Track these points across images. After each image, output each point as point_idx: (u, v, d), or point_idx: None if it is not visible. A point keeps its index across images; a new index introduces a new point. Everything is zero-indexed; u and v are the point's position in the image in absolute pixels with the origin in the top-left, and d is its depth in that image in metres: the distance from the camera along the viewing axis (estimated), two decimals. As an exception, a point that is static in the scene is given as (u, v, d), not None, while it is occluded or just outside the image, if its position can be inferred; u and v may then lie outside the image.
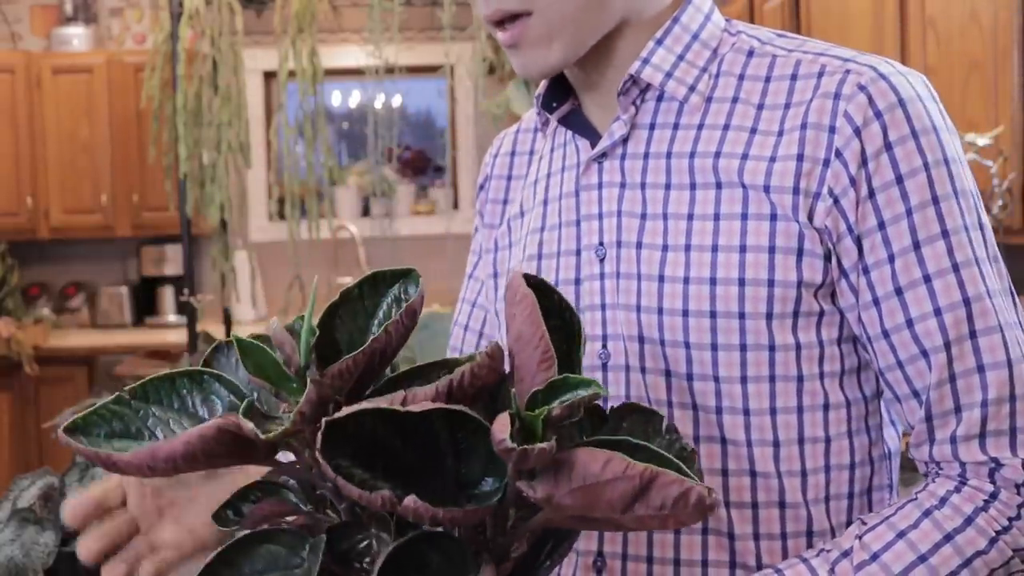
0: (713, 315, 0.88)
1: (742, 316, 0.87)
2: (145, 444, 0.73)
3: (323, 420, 0.66)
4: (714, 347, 0.88)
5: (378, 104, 4.19)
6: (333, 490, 0.73)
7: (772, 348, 0.88)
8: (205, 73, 3.93)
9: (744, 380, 0.88)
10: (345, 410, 0.67)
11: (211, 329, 4.23)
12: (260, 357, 0.73)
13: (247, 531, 0.73)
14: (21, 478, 1.82)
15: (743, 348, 0.88)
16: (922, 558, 0.82)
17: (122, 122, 5.17)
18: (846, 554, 0.84)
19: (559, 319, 0.76)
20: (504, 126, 4.49)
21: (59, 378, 4.90)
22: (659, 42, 0.93)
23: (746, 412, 0.89)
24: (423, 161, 5.84)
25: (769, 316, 0.87)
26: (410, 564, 0.69)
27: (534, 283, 0.77)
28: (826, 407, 0.90)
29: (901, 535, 0.84)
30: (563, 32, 0.90)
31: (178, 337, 4.80)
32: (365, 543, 0.74)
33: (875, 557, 0.83)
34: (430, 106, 5.94)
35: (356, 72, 4.35)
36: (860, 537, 0.85)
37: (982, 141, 2.47)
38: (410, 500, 0.65)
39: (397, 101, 5.23)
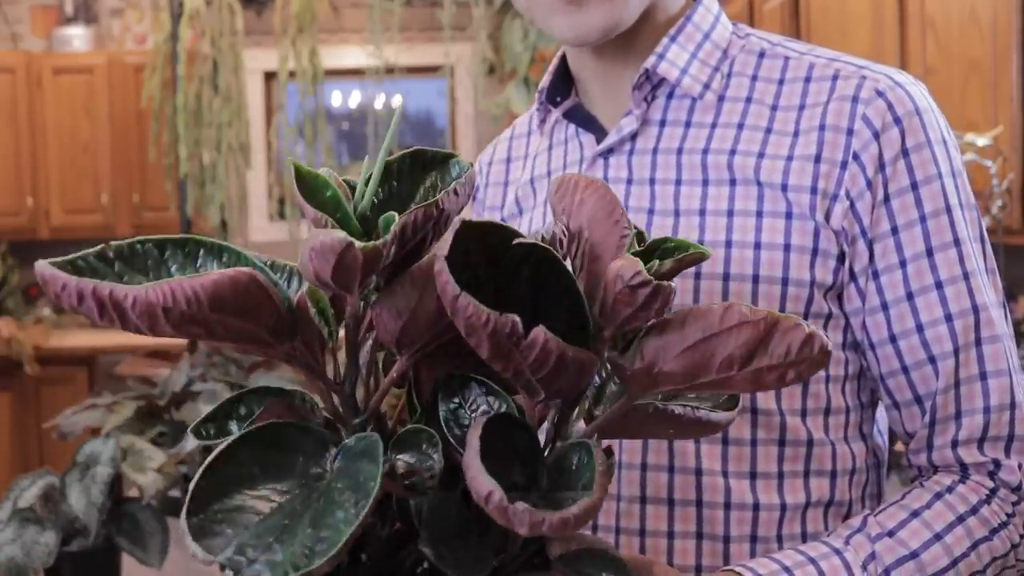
0: None
1: None
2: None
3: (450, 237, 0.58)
4: None
5: (378, 104, 4.19)
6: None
7: None
8: (205, 73, 3.94)
9: None
10: (458, 226, 0.59)
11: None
12: (326, 188, 0.61)
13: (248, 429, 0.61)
14: (21, 478, 1.82)
15: None
16: (938, 536, 0.83)
17: (122, 122, 5.17)
18: (860, 529, 0.84)
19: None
20: (504, 126, 4.49)
21: (59, 378, 4.90)
22: (673, 39, 0.93)
23: (753, 411, 0.88)
24: (423, 161, 5.83)
25: None
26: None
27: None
28: (827, 411, 0.89)
29: (915, 514, 0.84)
30: None
31: (178, 337, 4.79)
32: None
33: (891, 533, 0.83)
34: (430, 106, 5.94)
35: (356, 72, 4.36)
36: (874, 515, 0.85)
37: (981, 141, 2.47)
38: (539, 331, 0.58)
39: (397, 101, 5.23)
